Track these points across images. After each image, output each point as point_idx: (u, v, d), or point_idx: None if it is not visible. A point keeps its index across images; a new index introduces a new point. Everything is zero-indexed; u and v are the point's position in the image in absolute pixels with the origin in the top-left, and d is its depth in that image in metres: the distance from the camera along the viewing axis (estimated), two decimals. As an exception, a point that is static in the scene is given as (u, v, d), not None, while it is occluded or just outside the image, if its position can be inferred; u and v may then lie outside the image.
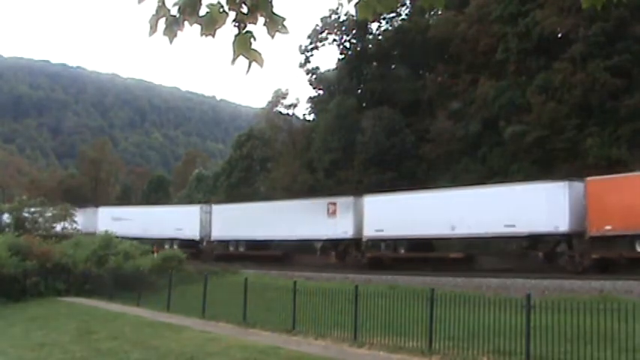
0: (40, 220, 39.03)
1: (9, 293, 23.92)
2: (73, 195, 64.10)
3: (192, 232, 41.70)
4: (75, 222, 41.15)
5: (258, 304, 16.80)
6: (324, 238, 34.28)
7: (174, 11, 3.29)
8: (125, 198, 77.92)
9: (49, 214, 39.68)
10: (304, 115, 60.63)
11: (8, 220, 38.48)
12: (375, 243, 32.85)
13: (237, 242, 40.01)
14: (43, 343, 14.73)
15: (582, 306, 10.07)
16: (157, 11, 3.29)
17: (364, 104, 48.67)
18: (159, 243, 42.75)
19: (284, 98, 59.99)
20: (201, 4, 3.25)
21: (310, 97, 57.88)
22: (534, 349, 10.44)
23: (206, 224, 41.54)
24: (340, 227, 33.44)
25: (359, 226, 32.71)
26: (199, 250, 40.88)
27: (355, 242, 33.34)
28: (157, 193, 76.74)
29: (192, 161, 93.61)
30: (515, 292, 18.18)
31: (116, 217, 45.32)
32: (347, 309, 14.18)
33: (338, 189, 41.02)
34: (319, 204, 35.12)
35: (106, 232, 31.45)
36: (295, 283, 15.96)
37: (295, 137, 56.94)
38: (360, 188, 39.59)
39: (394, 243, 31.85)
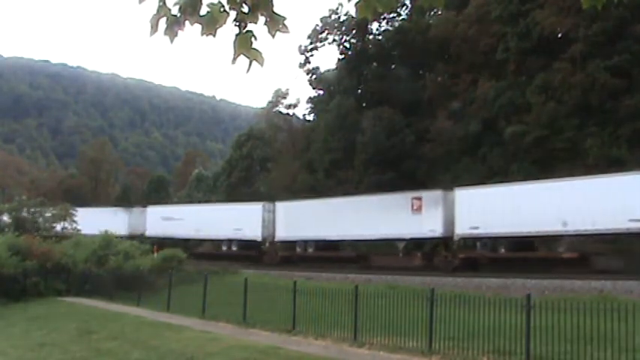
0: (40, 220, 39.02)
1: (9, 293, 23.95)
2: (73, 195, 64.09)
3: (254, 232, 38.02)
4: (75, 222, 41.05)
5: (258, 304, 16.79)
6: (408, 237, 30.89)
7: (175, 11, 3.29)
8: (125, 198, 77.84)
9: (49, 214, 39.67)
10: (304, 115, 60.75)
11: (8, 221, 38.46)
12: (469, 242, 29.33)
13: (305, 243, 36.22)
14: (43, 343, 14.74)
15: (582, 306, 10.06)
16: (157, 11, 3.30)
17: (364, 104, 48.69)
18: (215, 245, 41.26)
19: (284, 98, 60.12)
20: (202, 4, 3.25)
21: (310, 98, 58.02)
22: (534, 349, 10.44)
23: (269, 223, 37.89)
24: (427, 225, 29.92)
25: (449, 223, 29.16)
26: (261, 252, 38.20)
27: (444, 241, 29.84)
28: (157, 193, 76.71)
29: (192, 161, 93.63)
30: (515, 292, 18.18)
31: (166, 217, 42.80)
32: (347, 309, 14.18)
33: (338, 189, 41.03)
34: (402, 199, 31.50)
35: (106, 232, 31.35)
36: (295, 283, 15.96)
37: (295, 137, 56.97)
38: (359, 188, 39.64)
39: (493, 242, 28.00)
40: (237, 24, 3.26)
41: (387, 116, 43.94)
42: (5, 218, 39.15)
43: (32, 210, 39.44)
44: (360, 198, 34.88)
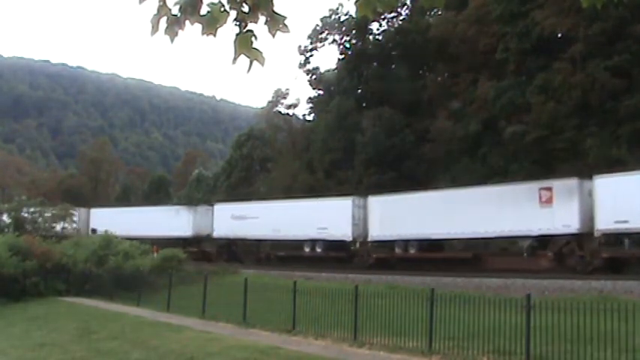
0: (40, 220, 39.02)
1: (9, 293, 23.96)
2: (73, 195, 64.07)
3: (342, 231, 33.34)
4: (75, 222, 41.05)
5: (258, 304, 16.79)
6: (535, 233, 26.69)
7: (175, 11, 3.29)
8: (125, 198, 77.93)
9: (49, 214, 39.67)
10: (304, 115, 60.76)
11: (8, 221, 38.46)
12: (614, 239, 25.45)
13: (405, 242, 31.65)
14: (43, 343, 14.74)
15: (582, 306, 10.06)
16: (158, 11, 3.30)
17: (364, 104, 48.71)
18: (295, 246, 36.47)
19: (284, 98, 60.13)
20: (202, 4, 3.26)
21: (310, 98, 58.04)
22: (534, 349, 10.44)
23: (360, 221, 33.24)
24: (559, 219, 25.63)
25: (587, 216, 24.90)
26: (352, 254, 33.86)
27: (579, 239, 25.70)
28: (157, 193, 76.73)
29: (192, 161, 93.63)
30: (515, 292, 18.18)
31: (238, 216, 38.37)
32: (347, 309, 14.17)
33: (338, 189, 40.99)
34: (527, 190, 27.37)
35: (106, 232, 31.34)
36: (295, 283, 15.96)
37: (295, 137, 56.98)
38: (360, 188, 39.60)
39: None
40: (238, 24, 3.27)
41: (387, 116, 43.96)
42: (5, 218, 39.14)
43: (32, 210, 39.42)
44: (475, 190, 30.15)
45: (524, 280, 22.13)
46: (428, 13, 47.76)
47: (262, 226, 36.16)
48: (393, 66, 49.28)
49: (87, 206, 50.06)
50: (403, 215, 31.05)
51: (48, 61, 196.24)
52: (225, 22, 3.25)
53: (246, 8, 3.25)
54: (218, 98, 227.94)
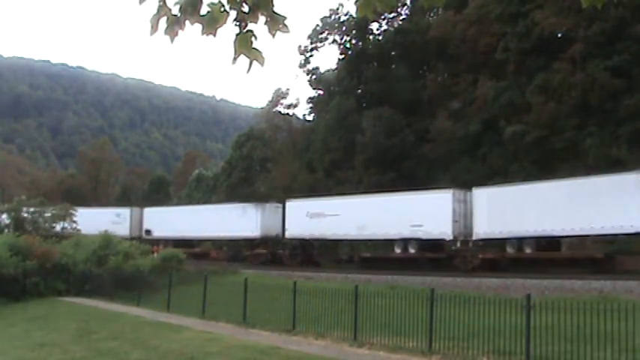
0: (40, 220, 38.99)
1: (9, 293, 23.96)
2: (73, 195, 64.04)
3: (440, 228, 29.27)
4: (74, 222, 40.95)
5: (258, 304, 16.79)
6: None
7: (175, 11, 3.29)
8: (125, 198, 77.94)
9: (49, 214, 39.64)
10: (304, 115, 60.82)
11: (7, 221, 38.44)
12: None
13: (519, 241, 27.38)
14: (43, 343, 14.74)
15: (582, 306, 10.06)
16: (158, 11, 3.29)
17: (364, 104, 48.73)
18: (383, 246, 33.02)
19: (284, 98, 60.19)
20: (202, 4, 3.25)
21: (310, 98, 58.07)
22: (534, 349, 10.44)
23: (461, 217, 29.23)
24: None
25: None
26: (452, 255, 29.88)
27: None
28: (157, 194, 76.73)
29: (192, 161, 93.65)
30: (515, 292, 18.19)
31: (315, 213, 34.21)
32: (347, 309, 14.18)
33: (338, 189, 40.98)
34: None
35: (106, 232, 31.30)
36: (295, 283, 15.96)
37: (295, 137, 57.02)
38: (360, 188, 39.59)
39: None
40: (238, 24, 3.26)
41: (387, 116, 43.96)
42: (4, 218, 39.11)
43: (32, 210, 39.40)
44: (607, 178, 24.64)
45: (524, 280, 22.15)
46: (428, 13, 47.77)
47: (344, 224, 32.30)
48: (393, 66, 49.31)
49: (140, 205, 48.09)
50: (517, 209, 26.73)
51: (48, 61, 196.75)
52: (225, 22, 3.25)
53: (246, 8, 3.25)
54: (218, 98, 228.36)
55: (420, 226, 29.77)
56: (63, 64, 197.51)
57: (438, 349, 11.60)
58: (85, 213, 46.25)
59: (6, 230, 36.10)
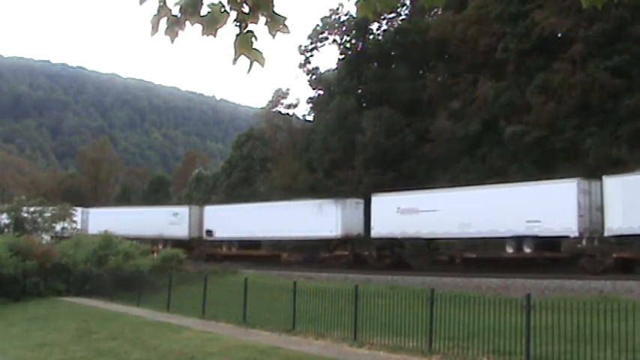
0: (40, 220, 38.96)
1: (9, 293, 23.96)
2: (73, 195, 64.04)
3: (563, 224, 25.23)
4: (74, 222, 40.83)
5: (258, 304, 16.79)
6: None
7: (175, 11, 3.29)
8: (125, 198, 77.97)
9: (49, 214, 39.60)
10: (304, 115, 60.81)
11: (7, 221, 38.41)
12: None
13: None
14: (43, 343, 14.74)
15: (582, 306, 10.07)
16: (158, 11, 3.30)
17: (364, 104, 48.73)
18: (492, 245, 29.52)
19: (284, 98, 60.17)
20: (202, 4, 3.26)
21: (310, 98, 58.07)
22: (534, 349, 10.45)
23: (586, 211, 25.23)
24: None
25: None
26: (576, 254, 25.60)
27: None
28: (157, 193, 76.75)
29: (192, 161, 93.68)
30: (515, 292, 18.19)
31: (407, 209, 30.31)
32: (347, 309, 14.18)
33: (338, 189, 40.97)
34: None
35: (106, 232, 31.28)
36: (295, 283, 15.96)
37: (295, 137, 57.01)
38: (360, 188, 39.58)
39: None
40: (238, 24, 3.27)
41: (387, 116, 43.96)
42: (4, 218, 39.07)
43: (32, 210, 39.37)
44: None
45: (524, 280, 22.15)
46: (428, 13, 47.78)
47: (443, 220, 28.54)
48: (393, 66, 49.31)
49: (199, 204, 44.99)
50: None
51: (48, 61, 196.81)
52: (225, 23, 3.26)
53: (246, 9, 3.25)
54: (218, 98, 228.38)
55: (538, 221, 25.76)
56: (63, 64, 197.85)
57: (438, 349, 11.61)
58: (138, 212, 45.05)
59: (6, 230, 36.08)
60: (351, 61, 50.87)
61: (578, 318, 10.00)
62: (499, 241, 28.38)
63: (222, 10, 3.24)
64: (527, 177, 30.97)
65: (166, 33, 3.33)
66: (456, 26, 41.70)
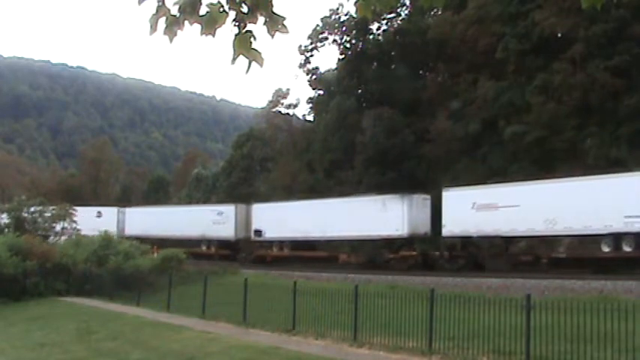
0: (40, 220, 38.94)
1: (9, 293, 23.97)
2: (73, 195, 64.05)
3: None
4: (74, 222, 40.71)
5: (258, 304, 16.78)
6: None
7: (174, 11, 3.29)
8: (125, 198, 78.00)
9: (49, 214, 39.57)
10: (304, 115, 60.86)
11: (7, 221, 38.39)
12: None
13: None
14: (43, 343, 14.74)
15: (582, 306, 10.06)
16: (157, 11, 3.29)
17: (364, 104, 48.74)
18: (584, 243, 26.06)
19: (284, 98, 60.23)
20: (201, 4, 3.25)
21: (310, 98, 58.12)
22: (534, 349, 10.44)
23: None
24: None
25: None
26: None
27: None
28: (157, 193, 76.78)
29: (192, 161, 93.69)
30: (515, 292, 18.17)
31: (484, 204, 27.30)
32: (347, 309, 14.18)
33: (338, 189, 40.96)
34: None
35: (105, 231, 31.26)
36: (295, 283, 15.95)
37: (295, 137, 57.05)
38: (360, 188, 39.58)
39: None
40: (237, 24, 3.26)
41: (387, 116, 43.97)
42: (4, 218, 39.04)
43: (32, 210, 39.35)
44: None
45: (524, 280, 22.13)
46: (427, 13, 47.80)
47: (526, 216, 25.68)
48: (393, 66, 49.32)
49: (245, 202, 41.35)
50: None
51: (48, 61, 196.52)
52: (224, 23, 3.25)
53: (245, 9, 3.25)
54: (218, 98, 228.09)
55: (639, 217, 23.01)
56: (63, 64, 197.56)
57: (438, 349, 11.60)
58: (178, 212, 43.47)
59: (6, 230, 36.06)
60: (351, 61, 50.88)
61: (578, 318, 9.99)
62: (593, 239, 25.18)
63: (221, 9, 3.23)
64: (527, 177, 30.59)
65: (165, 33, 3.33)
66: (455, 26, 41.71)
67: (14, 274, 24.55)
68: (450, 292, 15.18)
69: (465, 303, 12.29)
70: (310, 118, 58.78)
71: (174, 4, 3.27)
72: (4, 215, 38.97)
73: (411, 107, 45.49)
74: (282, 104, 60.54)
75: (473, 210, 27.80)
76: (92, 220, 41.92)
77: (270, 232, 36.72)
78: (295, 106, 60.05)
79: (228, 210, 39.33)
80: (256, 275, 25.80)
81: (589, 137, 33.86)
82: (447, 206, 29.11)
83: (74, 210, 41.41)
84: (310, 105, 57.93)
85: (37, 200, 41.70)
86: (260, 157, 60.96)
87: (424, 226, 30.70)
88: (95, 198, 73.15)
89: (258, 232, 37.44)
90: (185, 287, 22.22)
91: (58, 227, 39.16)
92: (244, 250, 37.83)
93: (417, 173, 41.28)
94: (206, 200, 58.26)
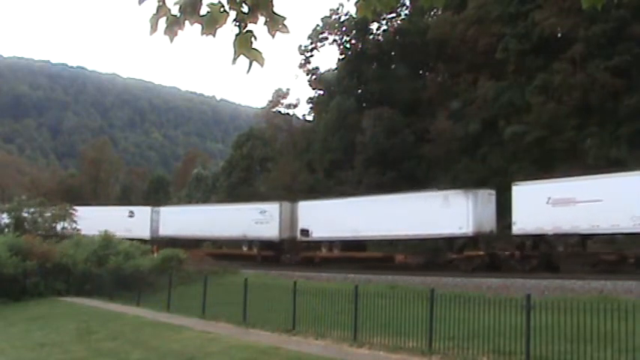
0: (40, 220, 38.94)
1: (9, 293, 23.95)
2: (73, 195, 64.03)
3: None
4: (75, 222, 40.64)
5: (258, 304, 16.77)
6: None
7: (174, 11, 3.29)
8: (125, 198, 77.99)
9: (49, 214, 39.56)
10: (304, 115, 60.91)
11: (7, 221, 38.40)
12: None
13: None
14: (43, 343, 14.73)
15: (582, 306, 10.06)
16: (157, 11, 3.29)
17: (364, 104, 48.77)
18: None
19: (284, 98, 60.26)
20: (201, 4, 3.25)
21: (310, 98, 58.16)
22: (534, 349, 10.44)
23: None
24: None
25: None
26: None
27: None
28: (157, 193, 76.78)
29: (192, 161, 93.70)
30: (515, 292, 18.16)
31: (561, 199, 24.89)
32: (347, 309, 14.17)
33: (338, 189, 40.94)
34: None
35: (105, 231, 31.20)
36: (295, 283, 15.95)
37: (295, 137, 57.07)
38: (360, 188, 39.57)
39: None
40: (237, 24, 3.26)
41: (387, 116, 43.99)
42: (4, 218, 39.05)
43: (32, 210, 39.35)
44: None
45: (524, 280, 22.12)
46: (427, 13, 47.83)
47: (609, 212, 23.23)
48: (393, 66, 49.36)
49: (290, 199, 38.14)
50: None
51: (48, 61, 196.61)
52: (224, 23, 3.25)
53: (245, 9, 3.25)
54: (218, 98, 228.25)
55: None
56: (63, 64, 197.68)
57: (438, 349, 11.60)
58: (217, 210, 40.42)
59: (6, 230, 36.07)
60: (350, 61, 50.91)
61: (578, 318, 9.99)
62: None
63: (222, 9, 3.24)
64: (527, 177, 30.32)
65: (165, 33, 3.33)
66: (455, 26, 41.73)
67: (14, 274, 24.53)
68: (450, 292, 15.17)
69: (465, 303, 12.28)
70: (310, 118, 58.88)
71: (175, 4, 3.28)
72: (4, 215, 38.97)
73: (411, 107, 45.51)
74: (282, 104, 60.64)
75: (548, 205, 25.24)
76: (124, 221, 40.60)
77: (318, 232, 34.21)
78: (295, 106, 60.15)
79: (272, 208, 36.61)
80: (256, 275, 25.79)
81: (589, 137, 33.87)
82: (517, 202, 26.47)
83: (74, 210, 41.34)
84: (310, 105, 58.01)
85: (37, 200, 41.70)
86: (260, 157, 60.95)
87: (489, 224, 28.20)
88: (95, 198, 73.19)
89: (304, 232, 34.95)
90: (185, 287, 22.21)
91: (59, 227, 39.16)
92: (289, 251, 35.55)
93: (417, 173, 41.28)
94: (206, 200, 58.21)
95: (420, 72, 48.76)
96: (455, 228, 27.88)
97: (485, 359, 10.92)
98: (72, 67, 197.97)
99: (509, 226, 26.94)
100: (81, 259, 27.46)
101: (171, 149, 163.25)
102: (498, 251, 27.99)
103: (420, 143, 42.79)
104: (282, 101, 60.61)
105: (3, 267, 24.33)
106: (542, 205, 25.30)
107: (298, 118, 61.42)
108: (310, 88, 58.19)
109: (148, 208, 43.74)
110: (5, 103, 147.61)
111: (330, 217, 33.03)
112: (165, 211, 43.46)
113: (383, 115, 44.04)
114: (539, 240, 26.37)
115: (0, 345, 15.01)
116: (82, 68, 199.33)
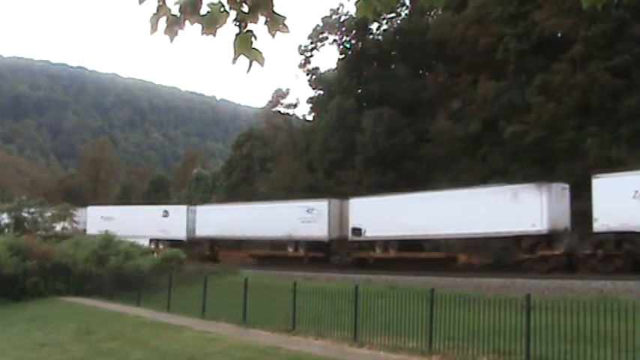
0: (40, 220, 38.97)
1: (9, 293, 23.96)
2: (73, 195, 64.08)
3: None
4: (75, 222, 40.66)
5: (258, 304, 16.78)
6: None
7: (175, 10, 3.29)
8: (125, 198, 77.99)
9: (49, 214, 39.58)
10: (304, 115, 60.90)
11: (7, 221, 38.43)
12: None
13: None
14: (43, 343, 14.74)
15: (582, 306, 10.06)
16: (157, 10, 3.30)
17: (364, 104, 48.75)
18: None
19: (284, 98, 60.26)
20: (202, 4, 3.25)
21: (310, 98, 58.12)
22: (534, 349, 10.44)
23: None
24: None
25: None
26: None
27: None
28: (157, 193, 76.77)
29: (192, 161, 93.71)
30: (515, 292, 18.16)
31: None
32: (347, 309, 14.18)
33: (338, 189, 40.92)
34: None
35: (106, 232, 31.23)
36: (295, 283, 15.95)
37: (295, 137, 57.05)
38: (360, 188, 39.55)
39: None
40: (238, 24, 3.27)
41: (387, 116, 43.98)
42: (5, 218, 39.07)
43: (32, 210, 39.37)
44: None
45: (524, 280, 22.12)
46: (427, 13, 47.82)
47: None
48: (393, 66, 49.33)
49: (341, 197, 34.80)
50: None
51: (48, 61, 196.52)
52: (224, 22, 3.26)
53: (245, 8, 3.25)
54: (218, 98, 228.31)
55: None
56: (63, 64, 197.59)
57: (438, 349, 11.60)
58: (259, 209, 37.17)
59: (6, 230, 36.10)
60: (350, 61, 50.88)
61: (578, 318, 9.99)
62: None
63: (222, 9, 3.24)
64: (527, 177, 30.46)
65: (166, 32, 3.33)
66: (455, 26, 41.71)
67: (14, 274, 24.54)
68: (450, 292, 15.17)
69: (465, 303, 12.29)
70: (310, 118, 58.85)
71: (175, 3, 3.28)
72: (4, 215, 38.99)
73: (411, 107, 45.50)
74: (282, 104, 60.63)
75: (635, 200, 22.58)
76: (158, 221, 39.53)
77: (372, 231, 31.79)
78: (295, 106, 60.13)
79: (320, 206, 34.05)
80: (256, 275, 25.78)
81: (589, 137, 33.85)
82: (598, 196, 23.86)
83: (74, 210, 41.36)
84: (310, 105, 57.97)
85: (37, 200, 41.73)
86: (260, 157, 60.95)
87: (564, 220, 25.80)
88: (95, 198, 73.19)
89: (357, 231, 32.41)
90: (185, 287, 22.21)
91: (59, 227, 39.19)
92: (339, 252, 33.26)
93: (417, 173, 41.27)
94: (205, 200, 58.15)
95: (420, 72, 48.71)
96: (527, 225, 25.59)
97: (485, 359, 10.93)
98: (72, 67, 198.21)
99: (580, 223, 25.08)
100: (81, 259, 27.48)
101: (171, 149, 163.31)
102: (578, 251, 24.97)
103: (420, 143, 42.78)
104: (282, 101, 60.65)
105: (3, 267, 24.34)
106: (629, 200, 22.64)
107: (298, 118, 61.49)
108: (310, 88, 58.22)
109: (183, 207, 42.19)
110: (5, 103, 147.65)
111: (387, 215, 30.68)
112: (202, 209, 41.32)
113: (383, 115, 44.03)
114: (621, 238, 23.55)
115: (0, 345, 15.02)
116: (82, 68, 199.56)
